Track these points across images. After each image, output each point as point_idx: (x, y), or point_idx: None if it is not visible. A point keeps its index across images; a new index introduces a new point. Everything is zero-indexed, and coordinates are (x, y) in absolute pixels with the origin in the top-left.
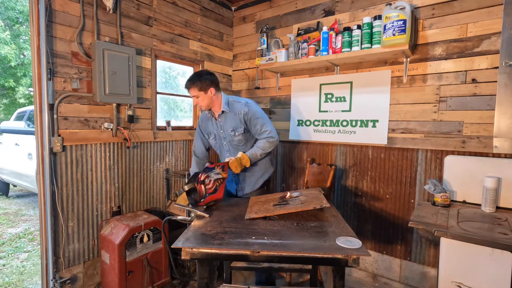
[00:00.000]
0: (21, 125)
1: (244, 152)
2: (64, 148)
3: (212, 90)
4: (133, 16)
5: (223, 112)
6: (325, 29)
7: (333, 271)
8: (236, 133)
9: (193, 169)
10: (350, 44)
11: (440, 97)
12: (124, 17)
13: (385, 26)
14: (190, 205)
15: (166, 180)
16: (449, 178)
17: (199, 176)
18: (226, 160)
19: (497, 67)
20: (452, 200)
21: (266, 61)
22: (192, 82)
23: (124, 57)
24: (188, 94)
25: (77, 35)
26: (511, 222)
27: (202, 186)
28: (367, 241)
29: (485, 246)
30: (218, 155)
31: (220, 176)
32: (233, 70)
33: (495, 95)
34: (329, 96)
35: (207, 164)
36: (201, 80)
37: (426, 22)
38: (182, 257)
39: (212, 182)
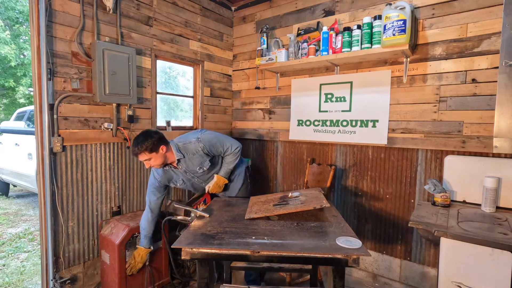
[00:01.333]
0: (21, 125)
1: (217, 173)
2: (64, 148)
3: (163, 148)
4: (133, 16)
5: (179, 160)
6: (325, 29)
7: (333, 271)
8: (205, 168)
9: (143, 225)
10: (350, 44)
11: (440, 97)
12: (124, 17)
13: (385, 26)
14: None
15: None
16: (449, 178)
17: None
18: (206, 189)
19: (497, 67)
20: (452, 200)
21: (266, 61)
22: (140, 147)
23: (124, 57)
24: (190, 94)
25: (77, 35)
26: (511, 222)
27: None
28: (367, 241)
29: (485, 246)
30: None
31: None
32: (233, 70)
33: (495, 95)
34: (329, 96)
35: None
36: (149, 140)
37: (426, 22)
38: (182, 257)
39: None
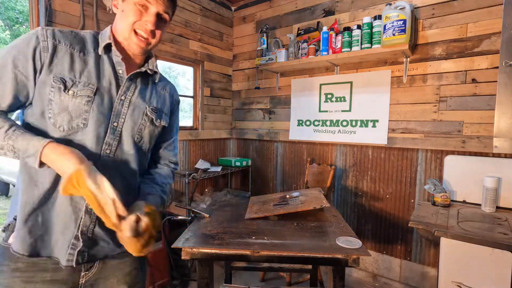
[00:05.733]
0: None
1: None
2: None
3: (168, 26)
4: None
5: (151, 74)
6: (325, 29)
7: (333, 271)
8: (160, 122)
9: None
10: (350, 44)
11: (440, 97)
12: None
13: (385, 26)
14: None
15: None
16: (449, 178)
17: None
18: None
19: (497, 67)
20: (452, 200)
21: (266, 61)
22: None
23: None
24: (190, 94)
25: None
26: (511, 222)
27: None
28: (367, 241)
29: (485, 246)
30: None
31: None
32: (233, 70)
33: (495, 95)
34: (329, 96)
35: None
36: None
37: (426, 22)
38: (182, 257)
39: None
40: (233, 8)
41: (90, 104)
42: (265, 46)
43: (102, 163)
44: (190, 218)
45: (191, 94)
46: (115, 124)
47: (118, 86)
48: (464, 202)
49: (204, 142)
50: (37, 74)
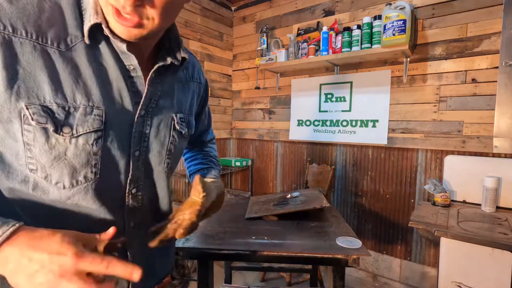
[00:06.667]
0: None
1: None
2: None
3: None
4: None
5: (179, 62)
6: (325, 29)
7: (333, 271)
8: (188, 130)
9: None
10: (350, 44)
11: (440, 97)
12: None
13: (385, 26)
14: None
15: None
16: (449, 178)
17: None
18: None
19: (497, 67)
20: (452, 200)
21: (266, 61)
22: None
23: None
24: None
25: None
26: (511, 222)
27: None
28: (367, 241)
29: (485, 246)
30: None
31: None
32: (233, 70)
33: (495, 95)
34: (329, 96)
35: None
36: None
37: (426, 22)
38: (182, 257)
39: None
40: (233, 8)
41: (101, 141)
42: (265, 46)
43: (128, 213)
44: None
45: None
46: (136, 153)
47: (134, 93)
48: (464, 202)
49: None
50: None
